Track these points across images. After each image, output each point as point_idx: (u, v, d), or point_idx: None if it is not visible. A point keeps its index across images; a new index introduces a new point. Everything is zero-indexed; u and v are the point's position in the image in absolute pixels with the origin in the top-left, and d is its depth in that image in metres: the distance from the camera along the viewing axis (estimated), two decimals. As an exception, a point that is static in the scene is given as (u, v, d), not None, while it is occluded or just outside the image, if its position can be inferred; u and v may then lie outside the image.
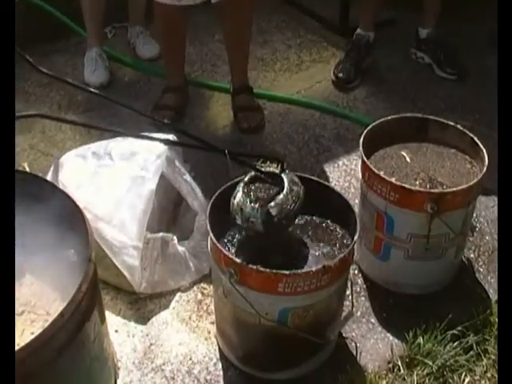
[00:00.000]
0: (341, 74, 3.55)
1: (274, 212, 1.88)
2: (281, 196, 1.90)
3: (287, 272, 1.85)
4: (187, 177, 2.43)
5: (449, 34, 3.70)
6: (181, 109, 3.27)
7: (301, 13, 4.19)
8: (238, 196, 1.93)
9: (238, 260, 1.89)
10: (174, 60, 3.27)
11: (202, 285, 2.43)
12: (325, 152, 3.09)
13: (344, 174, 2.93)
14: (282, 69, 3.71)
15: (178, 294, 2.40)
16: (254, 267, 1.85)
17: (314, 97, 3.46)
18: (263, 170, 1.97)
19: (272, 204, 1.89)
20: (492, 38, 3.45)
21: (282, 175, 1.96)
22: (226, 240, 2.07)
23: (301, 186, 1.97)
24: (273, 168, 1.98)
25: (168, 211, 2.53)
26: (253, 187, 1.95)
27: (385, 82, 3.61)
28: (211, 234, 1.96)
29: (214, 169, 2.85)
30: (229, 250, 2.02)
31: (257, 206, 1.89)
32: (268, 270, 1.84)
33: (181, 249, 2.38)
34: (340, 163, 3.02)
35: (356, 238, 1.99)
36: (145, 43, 3.76)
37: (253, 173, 1.98)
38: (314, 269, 1.87)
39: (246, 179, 1.97)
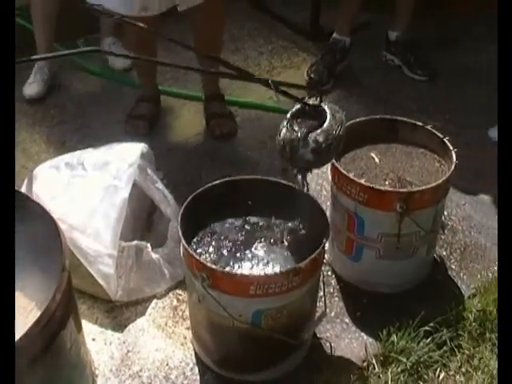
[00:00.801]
0: (313, 75, 3.59)
1: (321, 139, 1.92)
2: (326, 123, 1.94)
3: (258, 274, 1.87)
4: (159, 184, 2.44)
5: (420, 35, 3.75)
6: (155, 118, 3.30)
7: (273, 20, 4.23)
8: (283, 131, 1.97)
9: (209, 264, 1.91)
10: (147, 71, 3.30)
11: (177, 291, 2.45)
12: (298, 156, 3.11)
13: (316, 178, 2.94)
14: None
15: (154, 300, 2.42)
16: (225, 271, 1.88)
17: (285, 102, 3.47)
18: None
19: (318, 131, 1.93)
20: (462, 38, 3.52)
21: (323, 105, 2.01)
22: (199, 245, 2.08)
23: (342, 112, 2.02)
24: (312, 101, 2.03)
25: (142, 219, 2.55)
26: (295, 122, 1.99)
27: (358, 85, 3.65)
28: (182, 240, 1.97)
29: (187, 176, 2.87)
30: (203, 255, 2.03)
31: (303, 136, 1.92)
32: (239, 273, 1.87)
33: (155, 256, 2.40)
34: (312, 166, 3.04)
35: (326, 239, 2.02)
36: (117, 54, 3.76)
37: (294, 109, 2.02)
38: (284, 270, 1.89)
39: (288, 115, 2.01)
